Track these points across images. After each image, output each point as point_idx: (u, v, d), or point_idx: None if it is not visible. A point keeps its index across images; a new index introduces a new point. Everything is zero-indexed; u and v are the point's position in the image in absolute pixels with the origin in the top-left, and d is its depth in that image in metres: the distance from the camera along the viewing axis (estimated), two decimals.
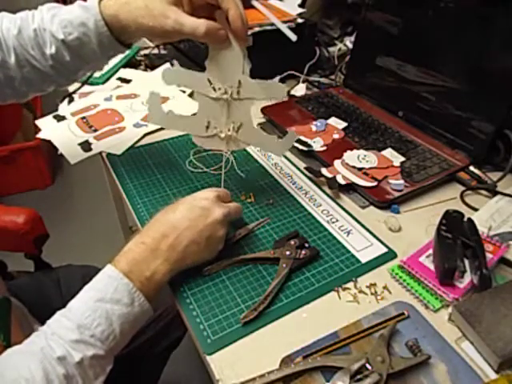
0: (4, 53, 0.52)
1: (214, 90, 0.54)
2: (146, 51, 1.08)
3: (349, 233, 0.58)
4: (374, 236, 0.57)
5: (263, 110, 0.84)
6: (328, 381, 0.40)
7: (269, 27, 0.88)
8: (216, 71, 0.53)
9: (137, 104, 0.87)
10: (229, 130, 0.56)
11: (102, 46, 0.53)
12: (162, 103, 0.85)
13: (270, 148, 0.60)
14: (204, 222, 0.48)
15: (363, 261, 0.53)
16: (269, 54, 0.80)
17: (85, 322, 0.40)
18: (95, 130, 0.78)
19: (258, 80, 0.54)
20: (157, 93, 0.56)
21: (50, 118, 0.82)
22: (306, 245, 0.53)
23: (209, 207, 0.50)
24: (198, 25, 0.48)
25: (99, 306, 0.41)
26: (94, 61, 0.56)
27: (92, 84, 0.94)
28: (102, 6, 0.51)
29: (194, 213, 0.49)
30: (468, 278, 0.49)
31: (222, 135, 0.57)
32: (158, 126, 0.79)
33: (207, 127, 0.57)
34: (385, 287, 0.50)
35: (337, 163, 0.69)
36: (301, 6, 1.00)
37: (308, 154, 0.73)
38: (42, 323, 0.42)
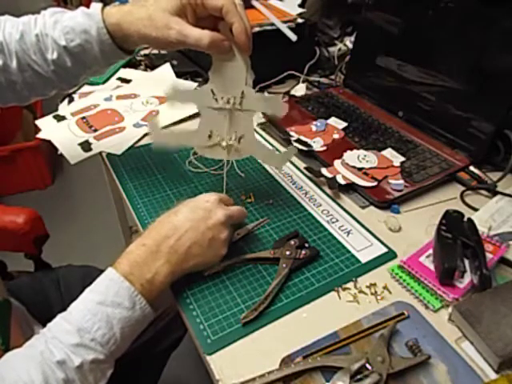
0: (6, 57, 0.52)
1: (217, 100, 0.54)
2: (146, 51, 1.08)
3: (349, 233, 0.58)
4: (374, 236, 0.57)
5: None
6: (328, 381, 0.40)
7: (269, 27, 0.88)
8: (219, 82, 0.53)
9: (137, 104, 0.87)
10: (230, 139, 0.56)
11: (103, 53, 0.53)
12: (161, 103, 0.86)
13: (270, 161, 0.61)
14: (206, 223, 0.48)
15: (363, 261, 0.53)
16: (269, 53, 0.80)
17: (85, 325, 0.39)
18: (95, 130, 0.78)
19: (260, 93, 0.54)
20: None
21: (50, 117, 0.82)
22: (306, 245, 0.53)
23: (211, 209, 0.49)
24: (201, 36, 0.48)
25: (100, 309, 0.41)
26: (95, 66, 0.56)
27: (92, 84, 0.94)
28: (104, 14, 0.51)
29: (196, 214, 0.49)
30: (468, 278, 0.49)
31: (224, 143, 0.57)
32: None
33: (210, 136, 0.57)
34: (385, 287, 0.50)
35: (337, 163, 0.69)
36: (301, 6, 1.00)
37: (308, 154, 0.73)
38: (42, 323, 0.42)
